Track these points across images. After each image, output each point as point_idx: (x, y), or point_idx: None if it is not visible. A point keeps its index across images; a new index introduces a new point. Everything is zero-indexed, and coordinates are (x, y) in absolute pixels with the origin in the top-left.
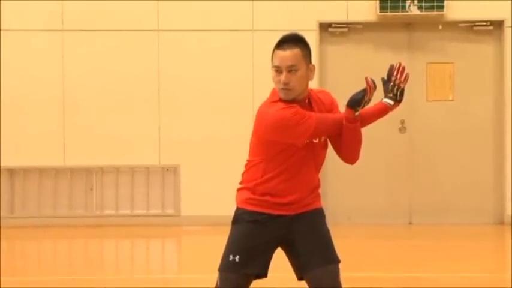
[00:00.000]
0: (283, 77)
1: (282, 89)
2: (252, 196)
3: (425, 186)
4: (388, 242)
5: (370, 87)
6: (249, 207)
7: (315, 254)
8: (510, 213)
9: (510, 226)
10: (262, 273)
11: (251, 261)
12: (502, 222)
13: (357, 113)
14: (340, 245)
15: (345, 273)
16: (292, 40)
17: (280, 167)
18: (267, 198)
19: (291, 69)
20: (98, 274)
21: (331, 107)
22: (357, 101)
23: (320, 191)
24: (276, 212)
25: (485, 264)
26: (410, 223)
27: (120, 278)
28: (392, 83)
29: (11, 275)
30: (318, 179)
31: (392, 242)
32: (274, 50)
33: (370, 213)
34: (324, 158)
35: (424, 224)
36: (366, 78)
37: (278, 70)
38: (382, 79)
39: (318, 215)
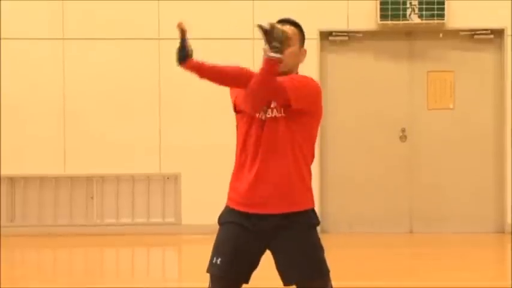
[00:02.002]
0: None
1: None
2: (230, 190)
3: (426, 194)
4: (389, 251)
5: (183, 28)
6: (229, 204)
7: (297, 269)
8: (511, 222)
9: (511, 235)
10: (243, 279)
11: (233, 265)
12: (502, 231)
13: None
14: (341, 253)
15: (346, 283)
16: (290, 21)
17: (239, 146)
18: (234, 184)
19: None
20: (99, 283)
21: None
22: (182, 55)
23: (307, 188)
24: (252, 211)
25: (485, 272)
26: (411, 231)
27: (120, 286)
28: (279, 28)
29: (11, 284)
30: (300, 170)
31: (393, 251)
32: None
33: (370, 222)
34: (293, 138)
35: (425, 232)
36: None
37: None
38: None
39: (302, 226)
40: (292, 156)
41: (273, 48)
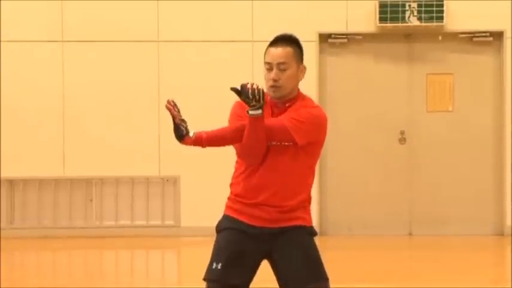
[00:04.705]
0: (273, 73)
1: (271, 86)
2: (229, 200)
3: (425, 197)
4: (388, 253)
5: (171, 110)
6: (230, 213)
7: (297, 274)
8: (510, 224)
9: (510, 237)
10: (243, 285)
11: (233, 270)
12: (502, 233)
13: (192, 136)
14: (340, 256)
15: (345, 285)
16: (285, 39)
17: (242, 166)
18: (238, 199)
19: (280, 67)
20: (98, 285)
21: None
22: (179, 135)
23: (308, 206)
24: (252, 223)
25: (485, 275)
26: (410, 234)
27: None
28: (249, 87)
29: (11, 286)
30: (303, 191)
31: (392, 253)
32: (267, 48)
33: (370, 225)
34: (296, 163)
35: (424, 235)
36: (166, 105)
37: (269, 67)
38: (234, 89)
39: (302, 232)
40: (294, 180)
41: (251, 107)
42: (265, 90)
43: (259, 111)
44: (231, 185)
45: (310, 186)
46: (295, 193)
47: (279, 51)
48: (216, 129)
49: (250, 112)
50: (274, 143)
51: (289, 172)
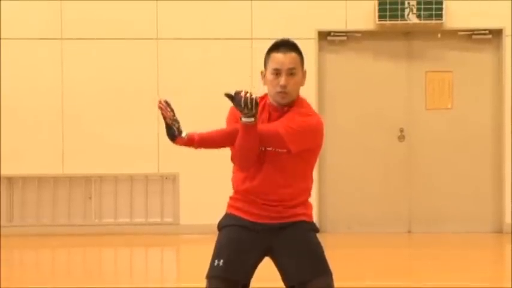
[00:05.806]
0: (282, 79)
1: (279, 92)
2: (230, 199)
3: (424, 194)
4: (387, 251)
5: (163, 109)
6: (232, 211)
7: (299, 269)
8: (509, 222)
9: (509, 235)
10: (244, 282)
11: (234, 267)
12: (501, 231)
13: (184, 137)
14: (340, 254)
15: (345, 283)
16: (288, 45)
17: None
18: (239, 197)
19: (291, 72)
20: (97, 283)
21: None
22: (170, 135)
23: (308, 201)
24: (253, 220)
25: (484, 273)
26: (409, 232)
27: (119, 286)
28: (242, 95)
29: (10, 284)
30: (302, 194)
31: (391, 251)
32: (270, 53)
33: (369, 222)
34: (294, 168)
35: (423, 232)
36: (158, 105)
37: (277, 73)
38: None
39: (303, 227)
40: (292, 182)
41: (244, 114)
42: (269, 97)
43: (252, 119)
44: (232, 179)
45: (309, 191)
46: (294, 194)
47: (287, 57)
48: (209, 131)
49: (243, 119)
50: (269, 148)
51: (286, 175)
